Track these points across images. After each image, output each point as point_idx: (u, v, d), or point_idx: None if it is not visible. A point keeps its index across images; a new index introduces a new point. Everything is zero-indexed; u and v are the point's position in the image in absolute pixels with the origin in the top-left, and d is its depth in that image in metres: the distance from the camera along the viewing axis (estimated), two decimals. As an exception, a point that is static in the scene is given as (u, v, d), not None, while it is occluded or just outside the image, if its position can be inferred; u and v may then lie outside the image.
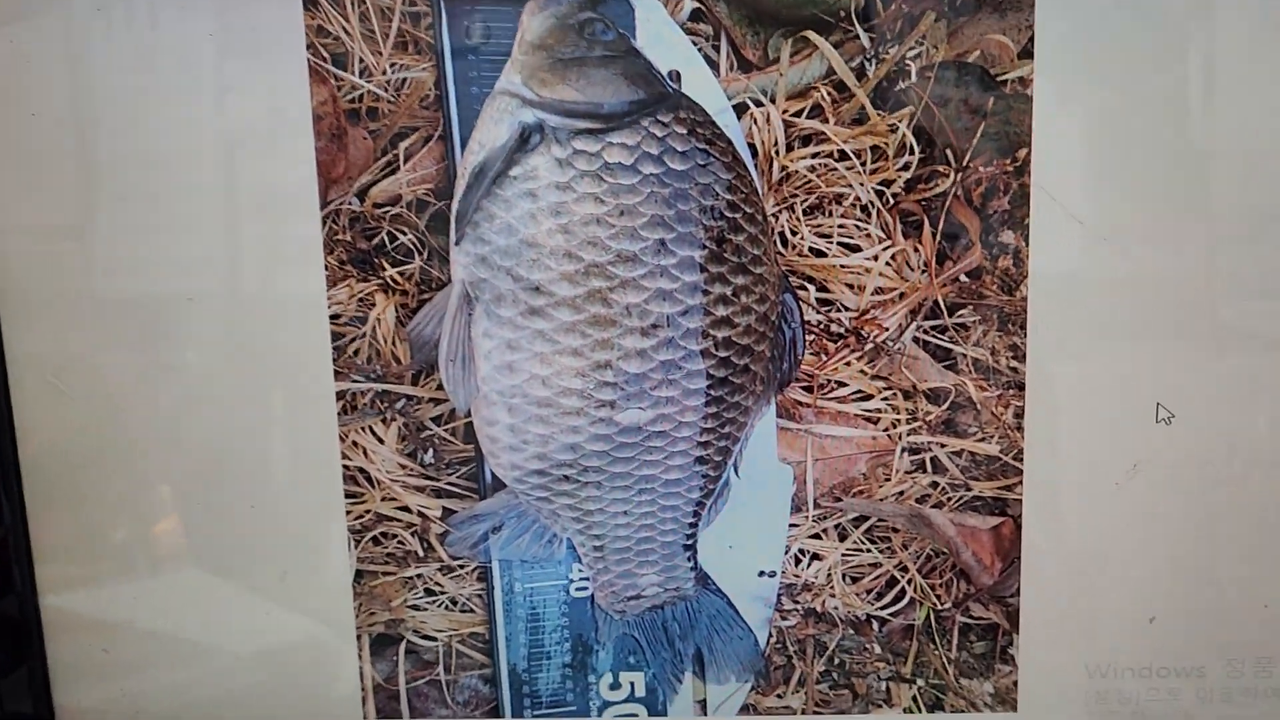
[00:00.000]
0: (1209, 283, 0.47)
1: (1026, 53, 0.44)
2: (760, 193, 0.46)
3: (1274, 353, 0.47)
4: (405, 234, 0.47)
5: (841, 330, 0.47)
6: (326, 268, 0.47)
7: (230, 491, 0.49)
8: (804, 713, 0.51)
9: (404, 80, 0.45)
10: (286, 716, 0.51)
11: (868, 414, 0.48)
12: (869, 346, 0.48)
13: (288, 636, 0.50)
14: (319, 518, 0.49)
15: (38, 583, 0.49)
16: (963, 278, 0.47)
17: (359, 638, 0.50)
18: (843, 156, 0.46)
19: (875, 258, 0.47)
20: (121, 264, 0.47)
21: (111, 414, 0.48)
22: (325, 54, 0.45)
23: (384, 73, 0.45)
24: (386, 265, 0.47)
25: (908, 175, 0.46)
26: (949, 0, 0.44)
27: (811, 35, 0.45)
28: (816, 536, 0.49)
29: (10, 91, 0.45)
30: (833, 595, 0.50)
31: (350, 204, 0.46)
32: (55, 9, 0.44)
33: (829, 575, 0.50)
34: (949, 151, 0.46)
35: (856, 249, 0.47)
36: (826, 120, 0.45)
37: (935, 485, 0.49)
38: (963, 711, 0.51)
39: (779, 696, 0.51)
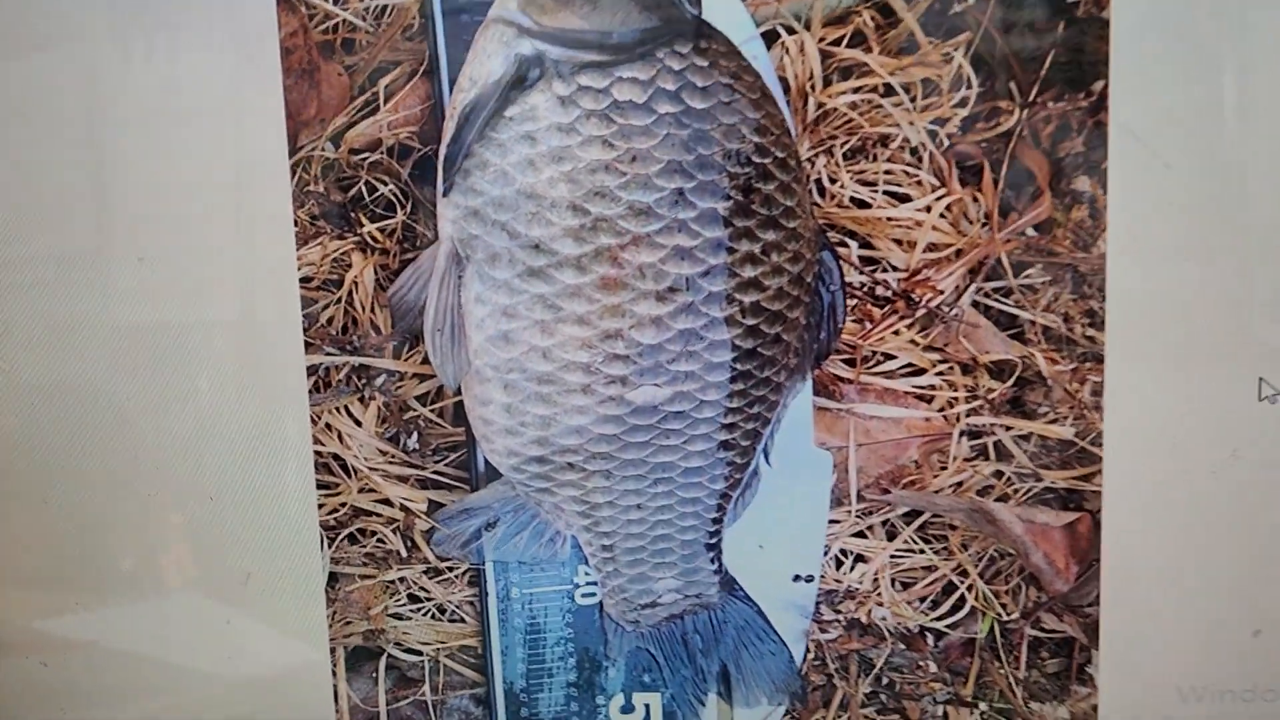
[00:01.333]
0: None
1: (1103, -32, 0.44)
2: (793, 135, 0.44)
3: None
4: (386, 184, 0.45)
5: (889, 294, 0.46)
6: (296, 223, 0.45)
7: (186, 483, 0.47)
8: (847, 741, 0.50)
9: (384, 7, 0.44)
10: (250, 740, 0.50)
11: (920, 391, 0.46)
12: (921, 313, 0.46)
13: (251, 648, 0.48)
14: (287, 512, 0.47)
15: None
16: (1030, 231, 0.45)
17: (333, 651, 0.48)
18: (889, 92, 0.44)
19: (928, 209, 0.45)
20: (68, 221, 0.45)
21: (48, 406, 0.46)
22: (294, -23, 0.45)
23: (361, -1, 0.44)
24: (364, 220, 0.46)
25: (965, 113, 0.44)
26: (1012, -93, 0.44)
27: (852, -50, 0.44)
28: (861, 535, 0.48)
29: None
30: (880, 604, 0.48)
31: (323, 150, 0.45)
32: None
33: (875, 580, 0.48)
34: (1013, 85, 0.44)
35: (906, 199, 0.45)
36: (870, 50, 0.44)
37: (999, 475, 0.47)
38: (1033, 740, 0.49)
39: (817, 722, 0.49)
